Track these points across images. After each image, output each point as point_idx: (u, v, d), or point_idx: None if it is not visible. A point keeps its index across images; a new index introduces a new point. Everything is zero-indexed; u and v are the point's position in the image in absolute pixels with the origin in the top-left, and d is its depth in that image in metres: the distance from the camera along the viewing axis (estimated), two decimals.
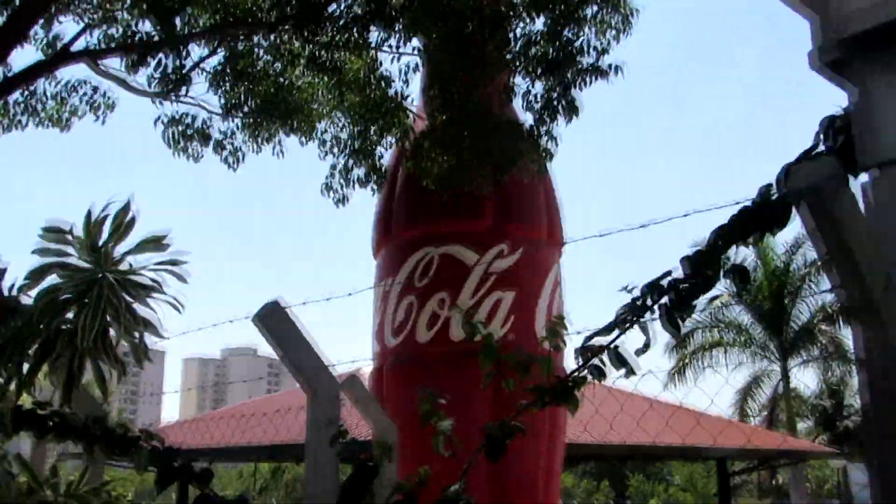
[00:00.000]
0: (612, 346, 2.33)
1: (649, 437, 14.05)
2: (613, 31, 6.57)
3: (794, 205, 2.00)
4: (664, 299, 2.45)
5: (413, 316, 6.27)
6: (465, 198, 6.20)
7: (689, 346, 25.18)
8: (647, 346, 2.45)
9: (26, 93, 7.51)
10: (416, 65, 6.78)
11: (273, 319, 3.04)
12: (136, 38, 7.30)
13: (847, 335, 23.34)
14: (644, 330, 2.45)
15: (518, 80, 6.51)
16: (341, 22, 6.56)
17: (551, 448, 6.02)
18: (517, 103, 6.52)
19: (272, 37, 7.30)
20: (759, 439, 18.97)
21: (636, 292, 2.47)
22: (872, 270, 1.95)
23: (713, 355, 25.23)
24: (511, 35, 6.40)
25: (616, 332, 2.36)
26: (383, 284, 6.68)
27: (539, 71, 6.36)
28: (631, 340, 2.46)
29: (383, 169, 6.93)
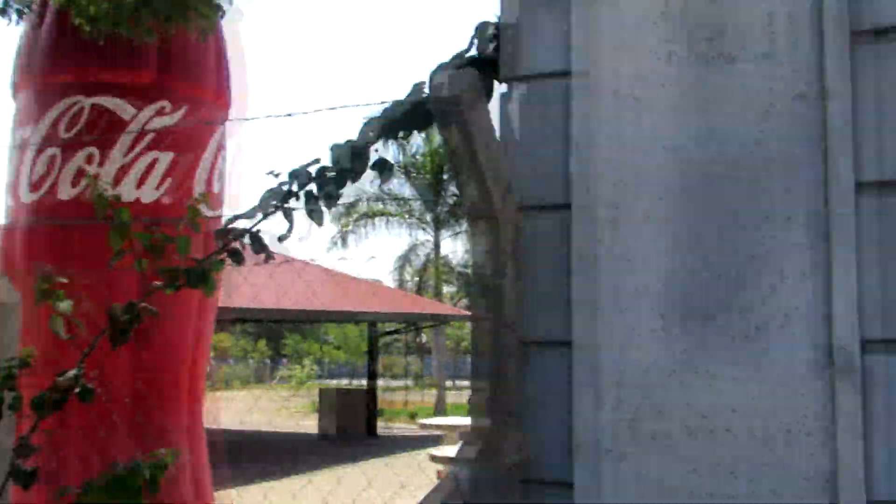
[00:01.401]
0: (253, 230, 2.31)
1: (303, 301, 14.51)
2: None
3: (433, 109, 2.08)
4: (311, 186, 2.47)
5: (55, 171, 5.70)
6: (125, 46, 5.65)
7: (354, 214, 26.20)
8: (289, 232, 2.47)
9: None
10: None
11: None
12: None
13: None
14: (287, 216, 2.46)
15: None
16: None
17: (201, 315, 5.94)
18: None
19: None
20: (408, 304, 20.48)
21: (283, 177, 2.46)
22: (496, 179, 2.12)
23: (376, 224, 26.56)
24: None
25: (259, 217, 2.34)
26: (22, 131, 5.98)
27: None
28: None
29: None
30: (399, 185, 26.02)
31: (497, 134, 2.34)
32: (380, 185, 22.60)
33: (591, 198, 2.19)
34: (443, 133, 2.08)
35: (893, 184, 1.95)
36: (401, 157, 24.61)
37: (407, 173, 25.41)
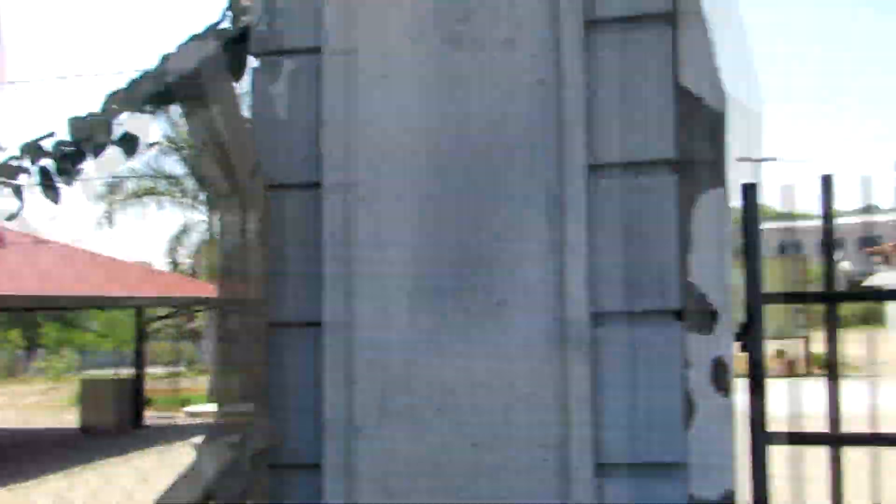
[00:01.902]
0: None
1: (64, 286, 13.50)
2: None
3: (173, 82, 1.98)
4: (46, 162, 2.30)
5: None
6: None
7: (120, 193, 24.71)
8: (19, 210, 2.28)
9: None
10: None
11: None
12: None
13: None
14: (17, 193, 2.27)
15: None
16: None
17: None
18: None
19: None
20: (179, 287, 19.63)
21: (13, 151, 2.29)
22: (242, 156, 2.05)
23: (146, 203, 25.22)
24: None
25: None
26: None
27: None
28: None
29: None
30: (173, 163, 24.87)
31: (247, 110, 2.27)
32: (129, 161, 21.42)
33: (342, 177, 2.18)
34: (183, 107, 1.99)
35: (622, 166, 2.09)
36: (172, 133, 23.47)
37: (178, 150, 24.27)
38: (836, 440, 2.31)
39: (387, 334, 2.15)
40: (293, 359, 2.20)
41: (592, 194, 2.07)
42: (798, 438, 2.37)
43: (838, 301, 2.35)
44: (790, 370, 18.36)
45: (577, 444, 2.05)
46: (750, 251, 2.35)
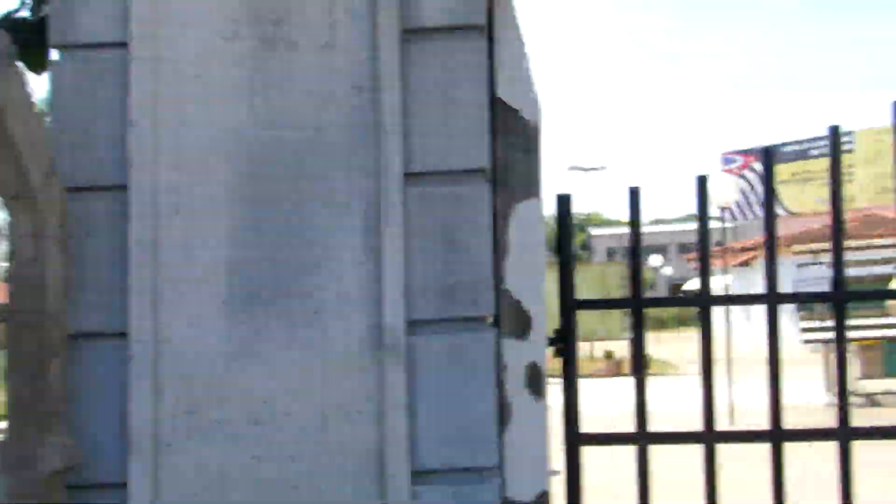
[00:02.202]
0: None
1: None
2: None
3: None
4: None
5: None
6: None
7: None
8: None
9: None
10: None
11: None
12: None
13: None
14: None
15: None
16: None
17: None
18: None
19: None
20: None
21: None
22: (35, 155, 1.92)
23: None
24: None
25: None
26: None
27: None
28: None
29: None
30: None
31: (46, 105, 2.13)
32: None
33: (151, 180, 2.08)
34: None
35: (438, 174, 2.11)
36: None
37: None
38: (642, 439, 2.43)
39: (198, 344, 2.07)
40: (97, 372, 2.08)
41: (409, 202, 2.08)
42: (607, 439, 2.48)
43: (644, 307, 2.47)
44: (618, 370, 19.30)
45: (394, 452, 2.05)
46: (563, 259, 2.44)
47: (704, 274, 2.42)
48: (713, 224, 13.38)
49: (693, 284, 38.53)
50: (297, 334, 2.08)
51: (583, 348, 21.53)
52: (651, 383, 2.54)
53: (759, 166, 29.32)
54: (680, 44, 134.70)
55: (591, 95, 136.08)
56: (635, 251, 2.47)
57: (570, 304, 2.43)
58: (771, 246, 2.39)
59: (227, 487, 2.07)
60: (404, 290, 2.06)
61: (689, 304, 2.58)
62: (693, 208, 2.54)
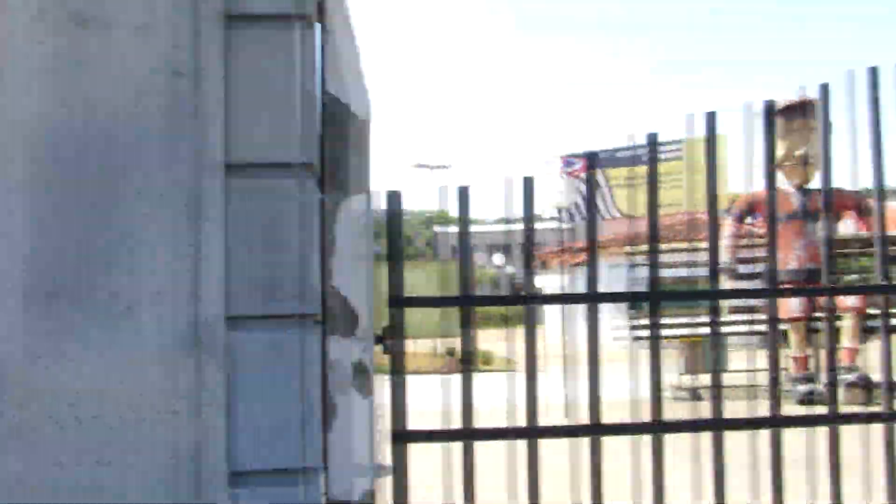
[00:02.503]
0: None
1: None
2: None
3: None
4: None
5: None
6: None
7: None
8: None
9: None
10: None
11: None
12: None
13: None
14: None
15: None
16: None
17: None
18: None
19: None
20: None
21: None
22: None
23: None
24: None
25: None
26: None
27: None
28: None
29: None
30: None
31: None
32: None
33: None
34: None
35: (263, 167, 2.06)
36: None
37: None
38: (467, 436, 2.47)
39: None
40: None
41: (231, 195, 2.01)
42: (433, 436, 2.50)
43: (472, 305, 2.51)
44: (457, 367, 19.61)
45: (211, 452, 1.98)
46: (392, 256, 2.44)
47: (529, 273, 2.48)
48: (555, 225, 13.80)
49: (537, 282, 39.86)
50: (107, 331, 1.97)
51: (425, 344, 21.77)
52: (490, 379, 2.59)
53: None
54: (532, 46, 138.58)
55: (448, 95, 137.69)
56: (463, 249, 2.51)
57: (397, 302, 2.44)
58: (592, 248, 2.48)
59: (27, 496, 1.93)
60: (224, 285, 1.99)
61: (512, 302, 2.64)
62: (539, 209, 2.60)
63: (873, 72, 2.59)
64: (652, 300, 2.55)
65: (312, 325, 2.10)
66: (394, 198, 2.42)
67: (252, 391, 2.04)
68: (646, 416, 2.51)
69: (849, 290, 7.46)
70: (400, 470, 2.43)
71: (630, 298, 2.92)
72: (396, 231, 2.44)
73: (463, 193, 2.48)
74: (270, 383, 2.04)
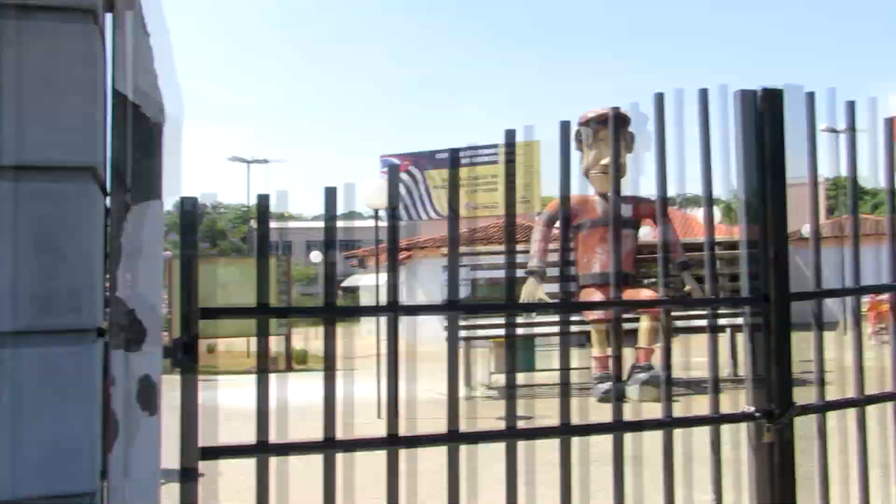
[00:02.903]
0: None
1: None
2: None
3: None
4: None
5: None
6: None
7: None
8: None
9: None
10: None
11: None
12: None
13: None
14: None
15: None
16: None
17: None
18: None
19: None
20: None
21: None
22: None
23: None
24: None
25: None
26: None
27: None
28: None
29: None
30: None
31: None
32: None
33: None
34: None
35: (40, 170, 1.91)
36: None
37: None
38: (262, 451, 2.41)
39: None
40: None
41: (1, 198, 1.86)
42: (228, 452, 2.42)
43: (269, 315, 2.46)
44: (273, 366, 19.28)
45: None
46: (186, 265, 2.34)
47: (329, 284, 2.46)
48: (372, 223, 13.80)
49: (353, 281, 39.73)
50: None
51: (238, 343, 21.24)
52: (308, 379, 2.54)
53: (415, 170, 31.00)
54: (357, 53, 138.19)
55: (280, 90, 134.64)
56: (262, 253, 2.45)
57: (193, 313, 2.34)
58: (393, 257, 2.49)
59: None
60: None
61: (310, 313, 2.61)
62: (356, 206, 2.58)
63: (678, 94, 2.77)
64: (450, 314, 2.59)
65: (92, 339, 1.97)
66: (188, 203, 2.32)
67: (24, 413, 1.89)
68: (461, 415, 2.56)
69: (634, 303, 7.93)
70: (189, 490, 2.34)
71: (431, 311, 2.97)
72: (191, 240, 2.35)
73: (262, 199, 2.43)
74: (44, 404, 1.90)
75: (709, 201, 3.00)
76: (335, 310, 2.51)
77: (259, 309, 2.43)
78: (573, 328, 7.25)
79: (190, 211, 2.36)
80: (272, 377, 2.52)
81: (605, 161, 13.81)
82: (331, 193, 2.46)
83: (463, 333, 13.13)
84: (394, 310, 2.47)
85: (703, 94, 2.91)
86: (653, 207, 12.30)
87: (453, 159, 2.77)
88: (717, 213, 17.82)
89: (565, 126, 2.76)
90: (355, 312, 3.01)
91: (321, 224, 2.49)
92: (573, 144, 7.63)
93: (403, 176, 31.15)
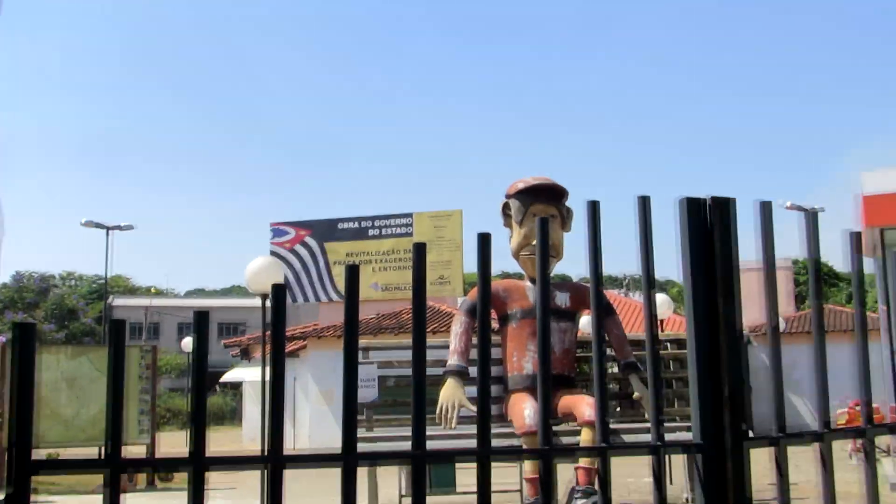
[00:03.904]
0: None
1: None
2: None
3: None
4: None
5: None
6: None
7: None
8: None
9: None
10: None
11: None
12: None
13: None
14: None
15: None
16: None
17: None
18: None
19: None
20: None
21: None
22: None
23: None
24: None
25: None
26: None
27: None
28: None
29: None
30: None
31: None
32: None
33: None
34: None
35: None
36: None
37: None
38: None
39: None
40: None
41: None
42: None
43: (120, 472, 2.31)
44: (133, 484, 18.49)
45: None
46: (21, 402, 2.19)
47: (199, 429, 2.33)
48: (260, 305, 13.52)
49: (233, 375, 38.51)
50: None
51: (89, 452, 20.33)
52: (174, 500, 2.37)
53: (312, 241, 30.49)
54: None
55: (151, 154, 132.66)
56: (116, 377, 2.32)
57: (23, 468, 2.19)
58: (278, 348, 2.38)
59: None
60: None
61: (174, 467, 2.48)
62: (237, 280, 2.47)
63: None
64: (346, 459, 2.49)
65: None
66: (26, 330, 2.18)
67: None
68: None
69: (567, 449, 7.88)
70: None
71: (319, 461, 2.87)
72: (28, 372, 2.20)
73: (104, 286, 2.31)
74: None
75: (650, 311, 3.00)
76: (207, 460, 2.39)
77: (107, 461, 2.28)
78: (501, 442, 7.14)
79: (28, 332, 2.22)
80: (127, 498, 2.36)
81: (536, 241, 13.83)
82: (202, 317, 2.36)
83: (364, 447, 12.86)
84: (276, 460, 2.36)
85: (644, 202, 2.87)
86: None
87: (359, 230, 2.70)
88: (668, 301, 18.23)
89: (459, 214, 2.72)
90: (229, 462, 2.87)
91: (197, 302, 2.38)
92: (501, 220, 7.63)
93: (299, 249, 30.69)
